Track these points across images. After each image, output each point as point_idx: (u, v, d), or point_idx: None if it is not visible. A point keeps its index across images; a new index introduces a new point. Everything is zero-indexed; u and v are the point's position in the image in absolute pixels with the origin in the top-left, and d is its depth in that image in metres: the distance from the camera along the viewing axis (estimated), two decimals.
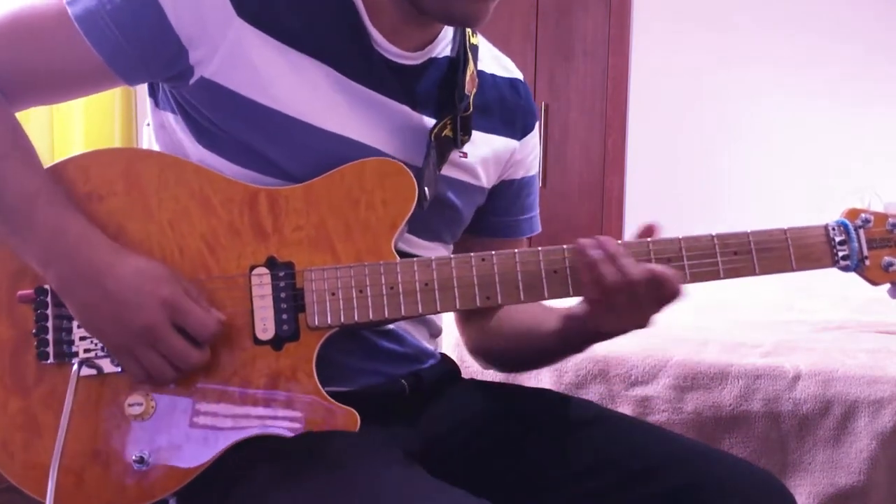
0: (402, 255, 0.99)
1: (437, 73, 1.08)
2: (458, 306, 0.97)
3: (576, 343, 1.09)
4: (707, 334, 1.72)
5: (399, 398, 1.09)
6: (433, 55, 1.07)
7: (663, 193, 3.76)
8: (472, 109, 1.07)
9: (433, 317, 1.17)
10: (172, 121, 1.02)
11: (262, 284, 0.96)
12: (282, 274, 0.96)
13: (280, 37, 0.97)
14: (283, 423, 0.95)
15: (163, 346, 0.92)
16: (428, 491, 0.90)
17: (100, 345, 0.95)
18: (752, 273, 0.98)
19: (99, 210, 0.97)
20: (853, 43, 3.53)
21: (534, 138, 1.21)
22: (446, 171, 1.08)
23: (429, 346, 1.18)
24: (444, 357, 1.22)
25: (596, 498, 1.05)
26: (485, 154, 1.13)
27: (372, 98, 1.02)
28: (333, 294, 0.95)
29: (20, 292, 0.97)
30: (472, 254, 0.98)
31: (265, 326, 0.96)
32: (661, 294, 0.95)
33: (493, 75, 1.16)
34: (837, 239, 1.00)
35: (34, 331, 0.96)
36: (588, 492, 1.05)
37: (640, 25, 3.82)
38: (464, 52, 1.08)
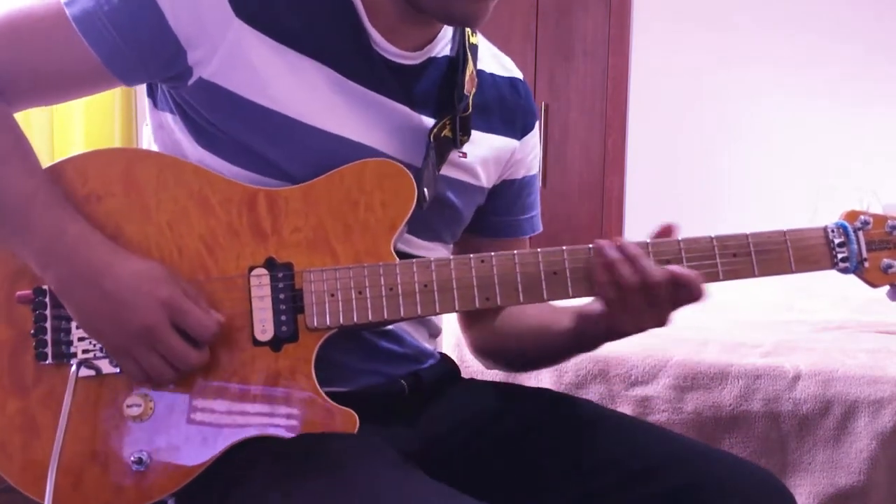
0: (402, 255, 0.99)
1: (437, 72, 1.08)
2: (457, 308, 0.97)
3: (590, 342, 1.09)
4: (707, 334, 1.72)
5: (398, 398, 1.09)
6: (432, 55, 1.07)
7: (663, 193, 3.76)
8: (471, 110, 1.07)
9: (432, 317, 1.17)
10: (171, 121, 1.02)
11: (260, 285, 0.96)
12: (281, 275, 0.96)
13: (279, 37, 0.97)
14: (281, 424, 0.95)
15: (162, 347, 0.92)
16: (428, 494, 0.90)
17: (98, 345, 0.95)
18: (752, 275, 0.98)
19: (97, 211, 0.97)
20: (853, 43, 3.53)
21: (534, 137, 1.21)
22: (446, 171, 1.08)
23: (428, 346, 1.17)
24: (444, 357, 1.21)
25: (596, 498, 1.05)
26: (484, 154, 1.13)
27: (371, 98, 1.02)
28: (332, 295, 0.95)
29: (19, 293, 0.97)
30: (471, 255, 0.97)
31: (264, 327, 0.96)
32: (682, 296, 0.96)
33: (492, 74, 1.16)
34: (836, 241, 1.00)
35: (32, 331, 0.97)
36: (588, 492, 1.05)
37: (640, 25, 3.82)
38: (463, 51, 1.08)
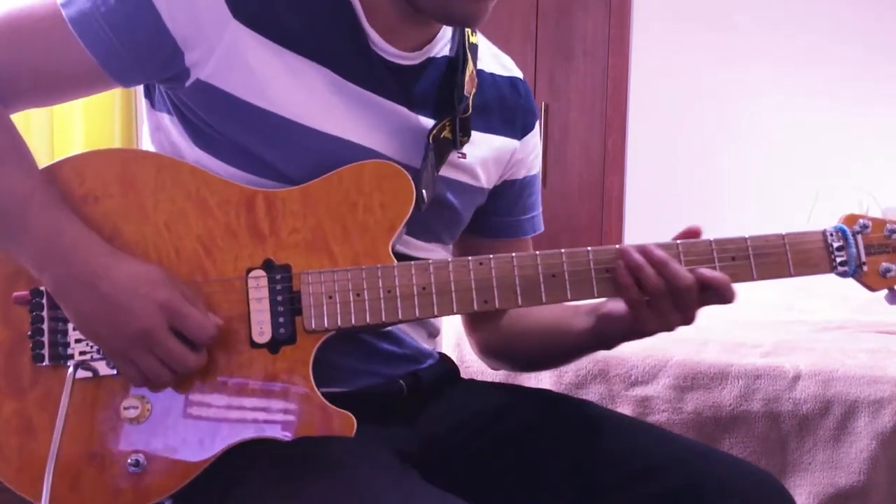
0: (400, 256, 0.99)
1: (436, 73, 1.07)
2: (455, 310, 0.97)
3: (609, 341, 1.09)
4: (707, 334, 1.72)
5: (397, 398, 1.08)
6: (432, 55, 1.07)
7: (663, 193, 3.76)
8: (471, 111, 1.07)
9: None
10: (168, 122, 1.02)
11: (258, 287, 0.96)
12: (279, 277, 0.96)
13: (276, 38, 0.97)
14: (278, 426, 0.94)
15: (160, 350, 0.91)
16: (426, 498, 0.89)
17: (95, 347, 0.95)
18: (750, 278, 0.97)
19: (94, 212, 0.97)
20: (853, 43, 3.53)
21: (534, 137, 1.20)
22: (445, 171, 1.07)
23: (427, 346, 1.17)
24: (443, 357, 1.21)
25: (596, 498, 1.05)
26: (484, 154, 1.12)
27: (369, 99, 1.02)
28: (330, 297, 0.95)
29: (15, 294, 0.97)
30: (469, 258, 0.97)
31: (262, 329, 0.95)
32: (711, 298, 0.96)
33: (492, 74, 1.15)
34: (835, 244, 0.99)
35: (29, 333, 0.96)
36: (588, 492, 1.05)
37: (640, 25, 3.82)
38: (463, 51, 1.08)
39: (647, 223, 3.75)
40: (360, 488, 0.89)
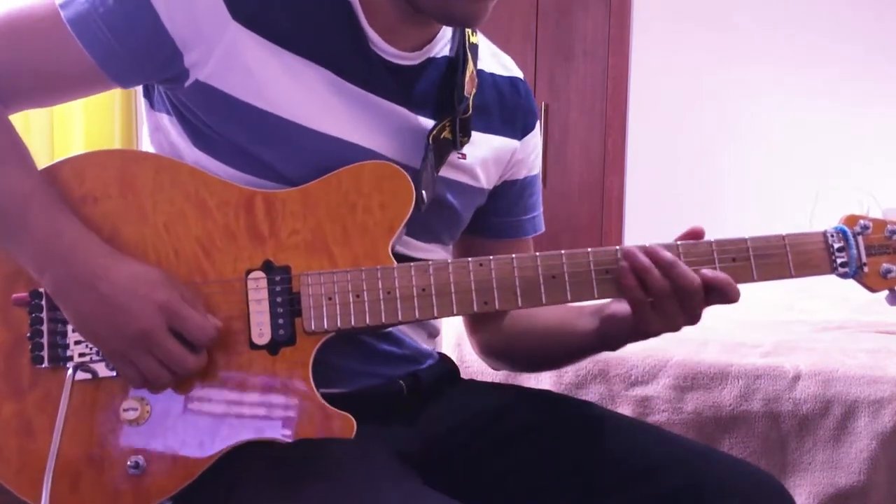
0: (400, 257, 0.99)
1: (436, 73, 1.07)
2: (455, 312, 0.96)
3: (614, 342, 1.09)
4: (707, 334, 1.72)
5: (397, 398, 1.08)
6: (431, 55, 1.07)
7: (663, 193, 3.76)
8: (471, 111, 1.07)
9: None
10: (167, 123, 1.02)
11: (258, 288, 0.95)
12: (278, 278, 0.95)
13: (275, 39, 0.97)
14: (278, 428, 0.94)
15: (159, 352, 0.91)
16: (428, 502, 0.89)
17: (95, 349, 0.95)
18: (751, 280, 0.97)
19: (94, 212, 0.96)
20: (853, 43, 3.53)
21: (535, 137, 1.20)
22: (444, 172, 1.07)
23: (427, 346, 1.17)
24: (443, 357, 1.21)
25: (596, 498, 1.05)
26: (484, 155, 1.12)
27: (369, 100, 1.02)
28: (330, 299, 0.95)
29: (15, 295, 0.97)
30: (469, 259, 0.97)
31: (261, 331, 0.95)
32: (715, 298, 0.95)
33: (492, 74, 1.15)
34: (836, 245, 0.99)
35: (29, 334, 0.96)
36: (588, 492, 1.05)
37: (640, 25, 3.82)
38: (463, 51, 1.08)
39: (647, 223, 3.76)
40: (359, 490, 0.89)
